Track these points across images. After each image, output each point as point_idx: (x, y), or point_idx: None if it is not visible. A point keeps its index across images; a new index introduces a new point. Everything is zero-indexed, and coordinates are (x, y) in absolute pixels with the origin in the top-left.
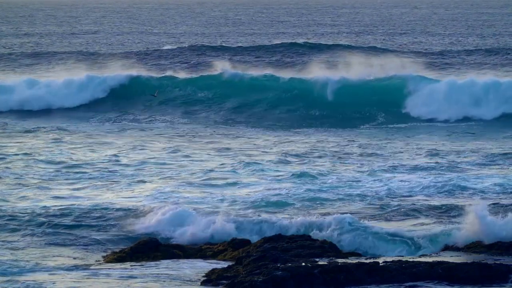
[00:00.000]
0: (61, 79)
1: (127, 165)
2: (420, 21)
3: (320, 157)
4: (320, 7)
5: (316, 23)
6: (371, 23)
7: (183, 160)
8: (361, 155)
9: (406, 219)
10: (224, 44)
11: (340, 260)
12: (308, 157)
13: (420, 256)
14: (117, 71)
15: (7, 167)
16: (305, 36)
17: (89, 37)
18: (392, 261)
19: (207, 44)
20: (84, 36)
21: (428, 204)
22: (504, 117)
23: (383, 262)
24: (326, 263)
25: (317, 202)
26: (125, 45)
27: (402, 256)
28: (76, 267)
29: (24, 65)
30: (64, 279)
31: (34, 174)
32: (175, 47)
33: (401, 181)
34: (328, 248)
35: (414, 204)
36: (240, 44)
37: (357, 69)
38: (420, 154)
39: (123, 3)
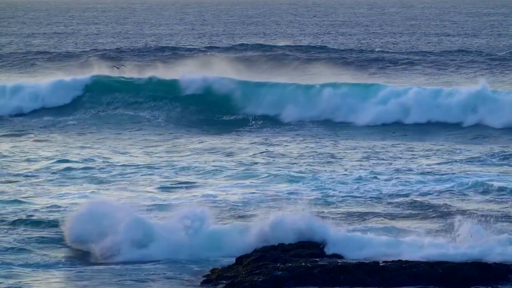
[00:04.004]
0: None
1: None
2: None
3: (302, 158)
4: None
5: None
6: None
7: (165, 162)
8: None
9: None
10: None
11: (340, 260)
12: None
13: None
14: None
15: None
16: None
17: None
18: (392, 261)
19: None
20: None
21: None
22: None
23: (383, 262)
24: (326, 263)
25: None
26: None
27: None
28: (74, 266)
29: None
30: (61, 277)
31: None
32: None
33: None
34: None
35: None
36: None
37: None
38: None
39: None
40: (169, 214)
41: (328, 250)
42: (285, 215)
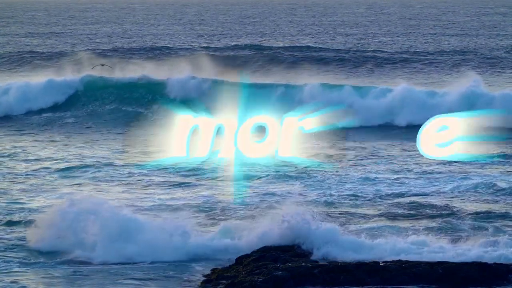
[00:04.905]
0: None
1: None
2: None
3: (300, 158)
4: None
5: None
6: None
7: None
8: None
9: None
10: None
11: (340, 260)
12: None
13: None
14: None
15: None
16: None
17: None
18: (392, 261)
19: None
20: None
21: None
22: None
23: (383, 262)
24: (326, 263)
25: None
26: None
27: None
28: (73, 265)
29: None
30: (60, 276)
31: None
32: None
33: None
34: None
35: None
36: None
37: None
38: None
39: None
40: (152, 223)
41: (319, 253)
42: (275, 221)
